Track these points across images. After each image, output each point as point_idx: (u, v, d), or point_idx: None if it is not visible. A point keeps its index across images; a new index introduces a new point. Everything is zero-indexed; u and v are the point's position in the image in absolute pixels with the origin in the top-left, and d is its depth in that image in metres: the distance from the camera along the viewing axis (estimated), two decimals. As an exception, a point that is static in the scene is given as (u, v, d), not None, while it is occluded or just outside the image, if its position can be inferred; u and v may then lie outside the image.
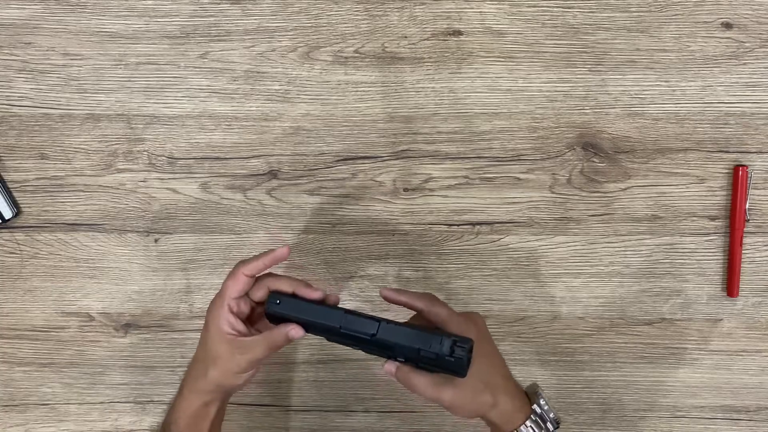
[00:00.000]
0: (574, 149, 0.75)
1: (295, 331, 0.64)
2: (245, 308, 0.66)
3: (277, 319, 0.64)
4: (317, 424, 0.82)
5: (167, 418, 0.69)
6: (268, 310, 0.64)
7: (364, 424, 0.82)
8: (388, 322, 0.62)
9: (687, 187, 0.76)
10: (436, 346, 0.60)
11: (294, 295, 0.65)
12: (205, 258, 0.79)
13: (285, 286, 0.65)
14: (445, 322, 0.63)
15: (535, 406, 0.64)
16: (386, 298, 0.65)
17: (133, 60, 0.76)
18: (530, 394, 0.66)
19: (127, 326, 0.81)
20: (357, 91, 0.75)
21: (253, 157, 0.77)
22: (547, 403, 0.65)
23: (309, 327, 0.64)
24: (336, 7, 0.74)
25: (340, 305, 0.65)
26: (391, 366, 0.63)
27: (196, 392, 0.67)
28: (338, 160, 0.77)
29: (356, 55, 0.75)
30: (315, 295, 0.65)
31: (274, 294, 0.64)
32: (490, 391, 0.63)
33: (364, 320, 0.62)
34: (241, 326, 0.65)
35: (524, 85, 0.74)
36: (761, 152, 0.75)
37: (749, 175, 0.74)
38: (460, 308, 0.79)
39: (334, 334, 0.63)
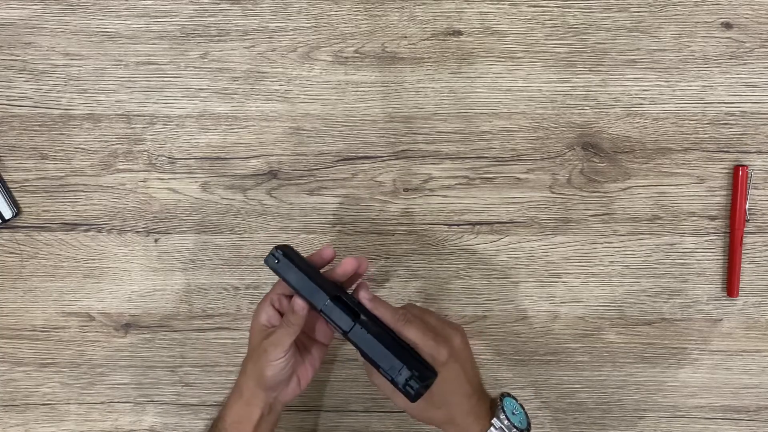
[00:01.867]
0: (574, 149, 0.75)
1: (297, 304, 0.64)
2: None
3: (291, 276, 0.64)
4: (317, 424, 0.82)
5: (216, 417, 0.70)
6: (265, 261, 0.64)
7: (364, 424, 0.82)
8: (366, 324, 0.62)
9: (687, 187, 0.76)
10: (393, 372, 0.61)
11: (303, 261, 0.65)
12: (205, 258, 0.79)
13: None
14: (416, 346, 0.63)
15: (494, 420, 0.64)
16: (360, 302, 0.64)
17: (133, 60, 0.76)
18: (494, 408, 0.66)
19: (127, 326, 0.81)
20: (357, 91, 0.75)
21: (253, 157, 0.77)
22: (508, 418, 0.64)
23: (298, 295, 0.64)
24: (336, 7, 0.74)
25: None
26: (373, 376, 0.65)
27: (239, 391, 0.68)
28: (338, 160, 0.77)
29: (356, 55, 0.75)
30: (326, 254, 0.67)
31: (281, 249, 0.64)
32: (446, 409, 0.64)
33: (344, 314, 0.63)
34: (277, 320, 0.66)
35: (524, 85, 0.74)
36: (761, 152, 0.75)
37: (749, 175, 0.74)
38: (460, 308, 0.79)
39: (316, 311, 0.64)
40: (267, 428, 0.69)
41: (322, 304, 0.63)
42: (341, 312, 0.63)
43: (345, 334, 0.63)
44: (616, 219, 0.76)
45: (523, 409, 0.67)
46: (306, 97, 0.76)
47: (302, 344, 0.70)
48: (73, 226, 0.79)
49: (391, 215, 0.78)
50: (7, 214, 0.78)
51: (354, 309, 0.63)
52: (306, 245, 0.78)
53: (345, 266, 0.66)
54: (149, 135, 0.77)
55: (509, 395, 0.67)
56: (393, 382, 0.61)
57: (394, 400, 0.65)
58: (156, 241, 0.79)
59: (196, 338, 0.81)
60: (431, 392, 0.62)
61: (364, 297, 0.64)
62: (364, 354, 0.63)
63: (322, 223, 0.78)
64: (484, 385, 0.68)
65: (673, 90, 0.74)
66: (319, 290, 0.63)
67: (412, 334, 0.63)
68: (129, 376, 0.82)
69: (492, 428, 0.64)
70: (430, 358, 0.63)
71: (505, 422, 0.64)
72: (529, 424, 0.66)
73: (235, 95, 0.76)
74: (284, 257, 0.64)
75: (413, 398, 0.61)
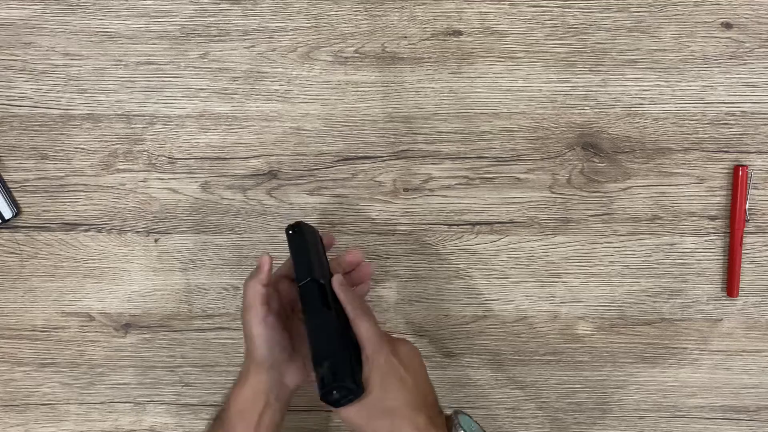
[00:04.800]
0: (574, 149, 0.75)
1: (261, 258, 0.66)
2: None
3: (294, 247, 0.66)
4: (317, 424, 0.82)
5: (221, 408, 0.69)
6: (285, 229, 0.67)
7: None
8: (328, 316, 0.62)
9: (687, 187, 0.76)
10: (320, 373, 0.60)
11: (314, 241, 0.67)
12: (205, 258, 0.79)
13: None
14: (362, 338, 0.62)
15: None
16: (333, 286, 0.65)
17: (133, 60, 0.76)
18: (449, 425, 0.63)
19: (127, 326, 0.81)
20: (357, 91, 0.75)
21: (253, 157, 0.77)
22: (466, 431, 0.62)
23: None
24: (336, 7, 0.74)
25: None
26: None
27: (240, 377, 0.67)
28: (338, 160, 0.77)
29: (356, 55, 0.75)
30: (352, 257, 0.69)
31: (300, 225, 0.67)
32: (390, 418, 0.60)
33: (315, 300, 0.63)
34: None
35: (524, 85, 0.74)
36: (761, 152, 0.75)
37: (749, 175, 0.74)
38: (460, 308, 0.79)
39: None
40: (273, 419, 0.67)
41: (300, 281, 0.63)
42: (311, 296, 0.63)
43: (305, 317, 0.63)
44: (616, 219, 0.76)
45: (481, 427, 0.64)
46: (306, 97, 0.76)
47: (298, 326, 0.69)
48: (73, 226, 0.79)
49: (391, 215, 0.78)
50: (7, 214, 0.78)
51: (327, 302, 0.63)
52: (306, 245, 0.78)
53: (350, 255, 0.69)
54: (149, 135, 0.77)
55: (464, 413, 0.64)
56: (315, 376, 0.60)
57: (337, 410, 0.61)
58: (156, 241, 0.79)
59: (196, 338, 0.81)
60: (375, 398, 0.60)
61: (336, 281, 0.64)
62: (310, 343, 0.62)
63: (322, 223, 0.78)
64: (441, 407, 0.64)
65: (673, 90, 0.74)
66: (307, 271, 0.64)
67: (364, 325, 0.62)
68: (129, 376, 0.82)
69: None
70: (371, 355, 0.61)
71: None
72: None
73: (235, 95, 0.76)
74: (297, 232, 0.66)
75: (321, 393, 0.59)
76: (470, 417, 0.64)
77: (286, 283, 0.69)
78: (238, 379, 0.68)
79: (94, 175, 0.78)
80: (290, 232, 0.66)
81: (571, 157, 0.76)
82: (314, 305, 0.63)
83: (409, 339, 0.77)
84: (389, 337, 0.64)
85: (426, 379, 0.64)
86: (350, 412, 0.60)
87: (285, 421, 0.76)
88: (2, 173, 0.78)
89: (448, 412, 0.64)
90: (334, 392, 0.59)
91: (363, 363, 0.62)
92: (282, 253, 0.78)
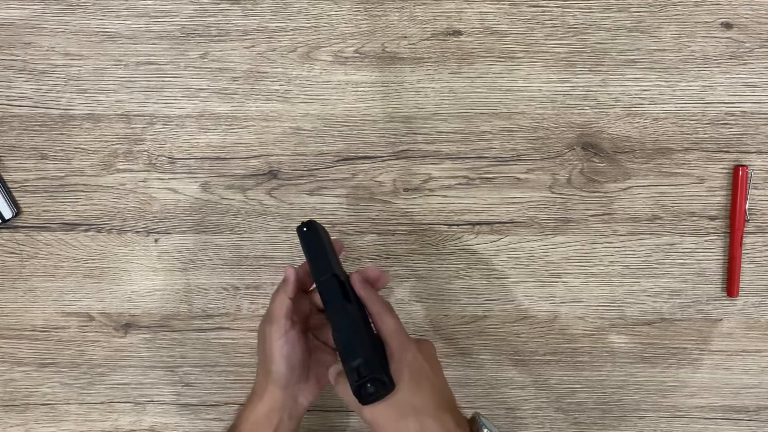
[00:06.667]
0: (574, 149, 0.75)
1: (287, 270, 0.66)
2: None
3: (308, 245, 0.65)
4: (317, 424, 0.82)
5: (232, 423, 0.69)
6: (297, 228, 0.65)
7: (364, 425, 0.82)
8: (351, 310, 0.61)
9: (687, 187, 0.76)
10: (354, 366, 0.58)
11: (326, 240, 0.66)
12: (205, 258, 0.79)
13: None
14: (389, 335, 0.61)
15: None
16: (352, 284, 0.64)
17: (133, 60, 0.76)
18: (474, 427, 0.61)
19: (127, 326, 0.81)
20: (357, 91, 0.75)
21: (253, 157, 0.77)
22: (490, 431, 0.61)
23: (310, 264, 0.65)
24: (336, 7, 0.74)
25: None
26: (333, 372, 0.63)
27: (254, 394, 0.66)
28: (338, 160, 0.77)
29: (356, 55, 0.75)
30: (372, 274, 0.66)
31: (313, 223, 0.66)
32: (417, 417, 0.58)
33: (335, 295, 0.62)
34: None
35: (524, 85, 0.74)
36: (761, 152, 0.75)
37: (749, 175, 0.74)
38: (460, 308, 0.79)
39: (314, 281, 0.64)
40: None
41: (320, 277, 0.63)
42: (333, 291, 0.62)
43: (328, 313, 0.62)
44: (616, 219, 0.76)
45: (500, 429, 0.63)
46: (306, 97, 0.76)
47: (314, 344, 0.69)
48: (73, 226, 0.79)
49: (391, 215, 0.78)
50: (7, 214, 0.78)
51: (348, 295, 0.62)
52: (306, 245, 0.78)
53: (371, 271, 0.66)
54: (149, 135, 0.77)
55: (483, 416, 0.63)
56: (347, 370, 0.58)
57: (361, 410, 0.59)
58: (156, 241, 0.79)
59: (196, 338, 0.81)
60: (403, 397, 0.58)
61: (356, 279, 0.64)
62: (335, 339, 0.61)
63: (322, 223, 0.78)
64: (460, 408, 0.63)
65: (673, 90, 0.74)
66: (327, 267, 0.63)
67: (389, 321, 0.61)
68: (129, 376, 0.82)
69: None
70: (397, 351, 0.60)
71: None
72: None
73: (235, 95, 0.76)
74: (310, 229, 0.65)
75: (361, 399, 0.58)
76: (488, 420, 0.63)
77: (301, 296, 0.68)
78: (251, 397, 0.67)
79: (94, 175, 0.78)
80: (304, 229, 0.65)
81: (571, 157, 0.76)
82: (337, 300, 0.61)
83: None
84: (405, 340, 0.63)
85: (446, 380, 0.63)
86: (378, 411, 0.58)
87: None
88: (2, 173, 0.78)
89: (468, 414, 0.64)
90: (369, 385, 0.57)
91: (389, 360, 0.60)
92: (283, 252, 0.78)
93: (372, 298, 0.63)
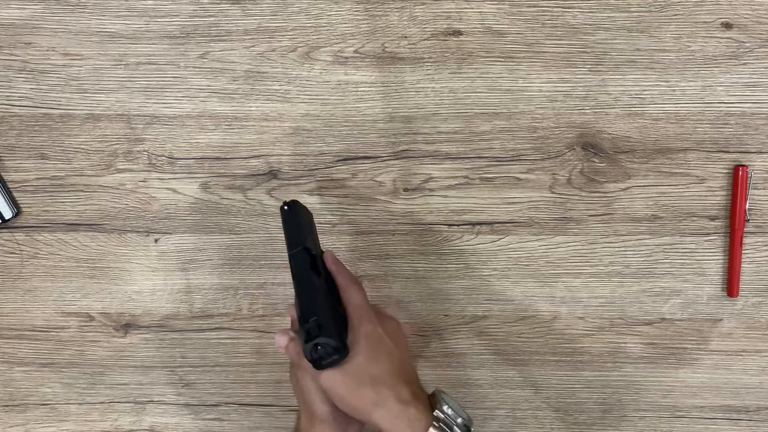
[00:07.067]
0: (574, 149, 0.75)
1: (291, 309, 0.67)
2: None
3: (286, 221, 0.67)
4: (317, 424, 0.82)
5: None
6: (280, 207, 0.67)
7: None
8: (318, 286, 0.62)
9: (687, 187, 0.76)
10: (305, 328, 0.58)
11: (307, 219, 0.68)
12: (205, 258, 0.79)
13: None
14: (349, 310, 0.63)
15: (436, 412, 0.59)
16: (324, 259, 0.66)
17: (133, 60, 0.76)
18: (433, 401, 0.61)
19: (127, 326, 0.81)
20: (357, 91, 0.75)
21: (253, 157, 0.77)
22: (452, 408, 0.60)
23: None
24: (336, 7, 0.74)
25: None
26: (281, 338, 0.65)
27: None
28: (338, 160, 0.77)
29: (356, 55, 0.75)
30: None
31: (295, 202, 0.67)
32: (374, 387, 0.59)
33: (305, 266, 0.63)
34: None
35: (524, 85, 0.74)
36: (761, 152, 0.75)
37: (749, 175, 0.74)
38: (460, 308, 0.79)
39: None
40: None
41: (291, 250, 0.64)
42: (302, 263, 0.63)
43: (294, 281, 0.63)
44: (616, 219, 0.76)
45: (461, 406, 0.62)
46: (306, 97, 0.76)
47: None
48: (73, 226, 0.79)
49: (391, 215, 0.78)
50: (7, 214, 0.78)
51: (317, 268, 0.64)
52: (306, 245, 0.78)
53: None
54: (149, 135, 0.77)
55: (445, 392, 0.63)
56: (300, 333, 0.59)
57: (318, 377, 0.60)
58: (156, 241, 0.79)
59: (196, 338, 0.81)
60: (360, 365, 0.59)
61: (328, 254, 0.66)
62: (296, 306, 0.62)
63: (322, 223, 0.78)
64: (423, 385, 0.63)
65: (673, 90, 0.74)
66: (299, 241, 0.64)
67: (353, 294, 0.63)
68: (129, 376, 0.82)
69: (435, 421, 0.59)
70: (357, 322, 0.61)
71: (449, 412, 0.60)
72: (470, 419, 0.61)
73: (235, 95, 0.76)
74: (291, 209, 0.67)
75: (305, 349, 0.58)
76: (450, 396, 0.63)
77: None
78: None
79: (94, 175, 0.78)
80: (285, 208, 0.67)
81: (571, 157, 0.76)
82: (304, 270, 0.63)
83: (410, 339, 0.77)
84: (378, 309, 0.65)
85: (409, 357, 0.65)
86: (334, 378, 0.59)
87: (285, 420, 0.76)
88: (2, 173, 0.78)
89: (429, 391, 0.64)
90: (319, 347, 0.58)
91: (349, 330, 0.61)
92: (283, 252, 0.78)
93: (341, 271, 0.65)
